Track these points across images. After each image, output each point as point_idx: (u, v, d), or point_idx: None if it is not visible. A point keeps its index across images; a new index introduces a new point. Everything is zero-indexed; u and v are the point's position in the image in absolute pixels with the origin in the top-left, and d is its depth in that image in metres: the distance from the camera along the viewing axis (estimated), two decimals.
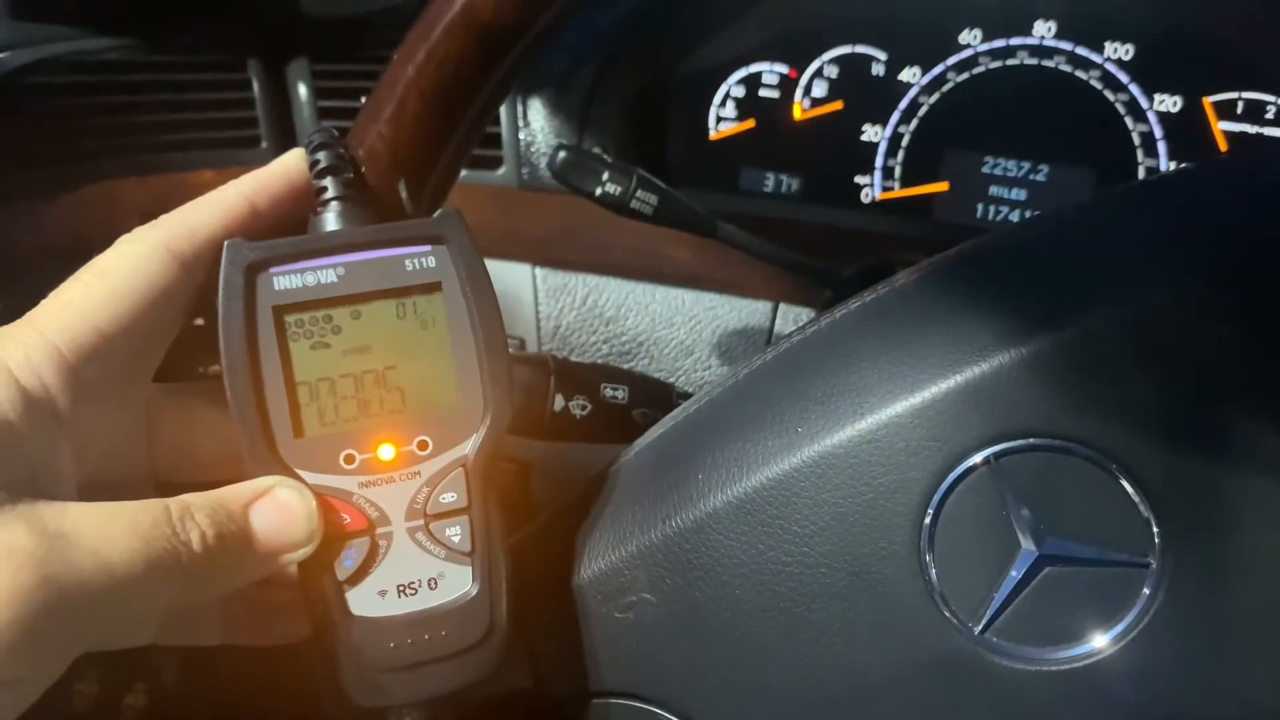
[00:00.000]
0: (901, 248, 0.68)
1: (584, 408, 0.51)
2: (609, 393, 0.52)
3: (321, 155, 0.35)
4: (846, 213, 0.72)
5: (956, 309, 0.34)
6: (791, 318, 0.66)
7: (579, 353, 0.70)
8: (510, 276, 0.70)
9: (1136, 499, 0.31)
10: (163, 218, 0.33)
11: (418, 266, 0.34)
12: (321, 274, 0.33)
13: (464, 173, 0.71)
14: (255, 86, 0.72)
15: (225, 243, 0.32)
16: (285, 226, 0.35)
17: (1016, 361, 0.32)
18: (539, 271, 0.70)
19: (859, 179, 0.73)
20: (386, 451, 0.33)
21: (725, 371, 0.66)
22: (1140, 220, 0.34)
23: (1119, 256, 0.33)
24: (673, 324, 0.68)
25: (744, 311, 0.67)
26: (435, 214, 0.34)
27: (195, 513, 0.30)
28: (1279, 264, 0.31)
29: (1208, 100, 0.66)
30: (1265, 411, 0.31)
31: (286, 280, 0.33)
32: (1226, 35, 0.65)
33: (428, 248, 0.34)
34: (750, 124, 0.75)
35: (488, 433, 0.34)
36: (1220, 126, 0.66)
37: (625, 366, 0.69)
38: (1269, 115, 0.65)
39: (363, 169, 0.36)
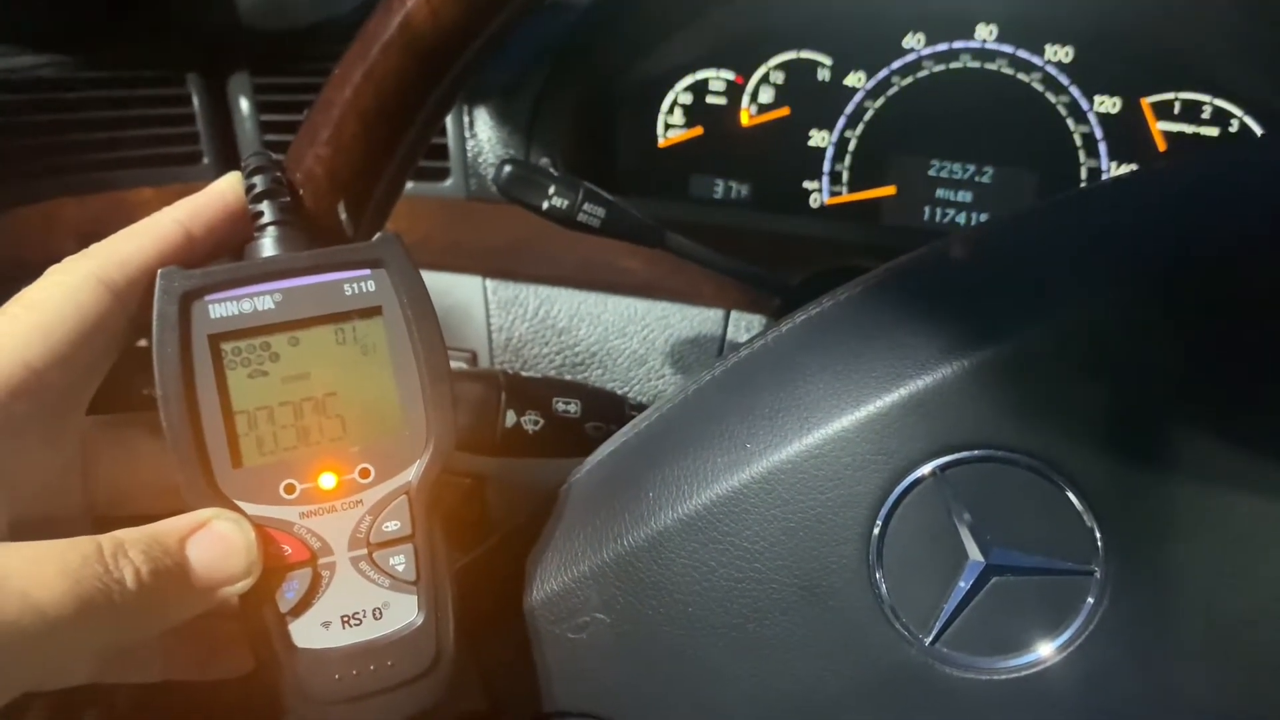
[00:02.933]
0: (851, 252, 0.69)
1: (536, 423, 0.50)
2: (561, 407, 0.51)
3: (258, 179, 0.34)
4: (796, 218, 0.73)
5: (899, 322, 0.34)
6: (744, 325, 0.66)
7: (532, 365, 0.70)
8: (461, 289, 0.70)
9: (1080, 508, 0.31)
10: (94, 247, 0.33)
11: (357, 291, 0.33)
12: (258, 300, 0.33)
13: (412, 185, 0.70)
14: (195, 101, 0.70)
15: (159, 271, 0.32)
16: (224, 252, 0.34)
17: (959, 374, 0.32)
18: (490, 283, 0.69)
19: (807, 184, 0.73)
20: (328, 480, 0.33)
21: (678, 381, 0.66)
22: (1077, 230, 0.35)
23: (1057, 266, 0.34)
24: (625, 334, 0.67)
25: (696, 320, 0.67)
26: (374, 237, 0.34)
27: (129, 549, 0.29)
28: (1215, 271, 0.32)
29: (1146, 101, 0.67)
30: (1204, 419, 0.31)
31: (222, 308, 0.32)
32: (1163, 38, 0.66)
33: (367, 271, 0.34)
34: (698, 131, 0.75)
35: (431, 459, 0.33)
36: (1159, 127, 0.67)
37: (579, 378, 0.69)
38: (1205, 115, 0.66)
39: (300, 192, 0.36)
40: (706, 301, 0.67)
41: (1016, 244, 0.36)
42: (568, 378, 0.69)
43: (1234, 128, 0.66)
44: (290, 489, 0.33)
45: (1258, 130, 0.66)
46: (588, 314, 0.68)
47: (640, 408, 0.53)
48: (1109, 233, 0.34)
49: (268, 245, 0.34)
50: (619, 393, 0.67)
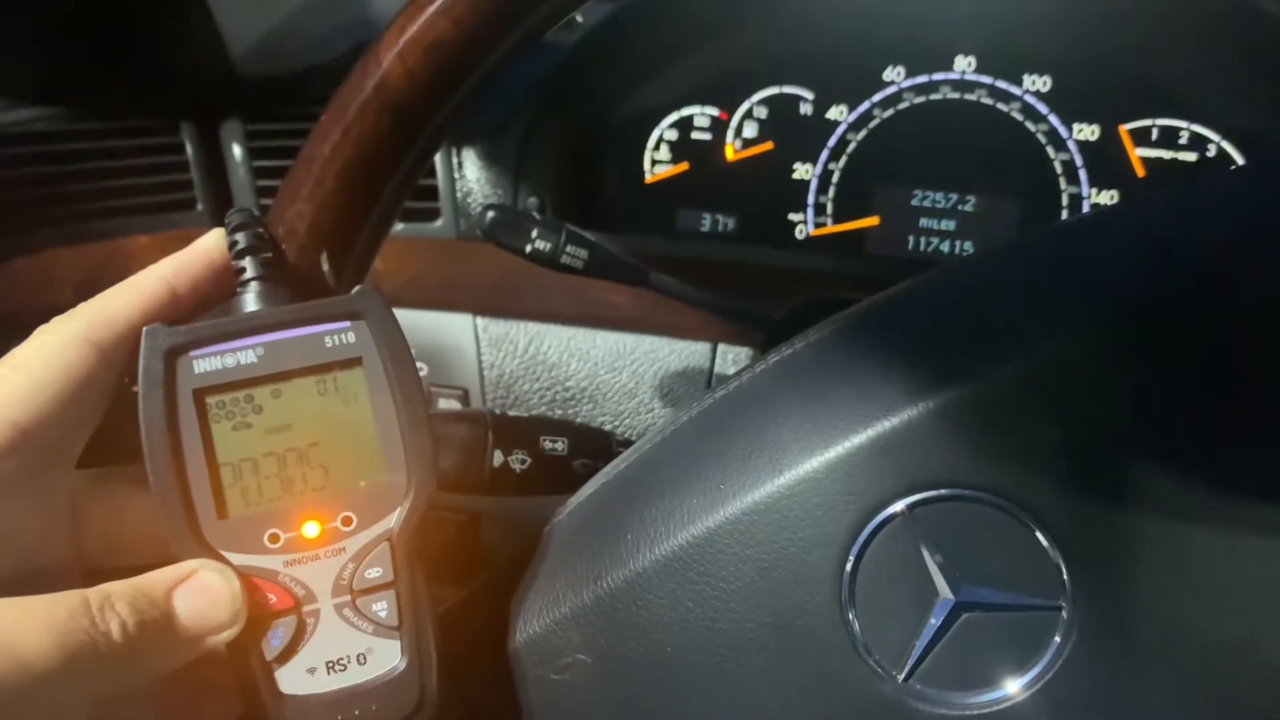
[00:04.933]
0: (836, 283, 0.70)
1: (523, 462, 0.51)
2: (548, 445, 0.52)
3: (240, 236, 0.35)
4: (781, 250, 0.74)
5: (866, 364, 0.35)
6: (730, 357, 0.67)
7: (523, 401, 0.70)
8: (452, 327, 0.71)
9: (1046, 545, 0.32)
10: (80, 306, 0.33)
11: (337, 343, 0.34)
12: (241, 355, 0.33)
13: (403, 226, 0.72)
14: (189, 149, 0.72)
15: (144, 329, 0.33)
16: (210, 307, 0.35)
17: (924, 415, 0.33)
18: (480, 321, 0.70)
19: (792, 216, 0.74)
20: (311, 529, 0.34)
21: (667, 414, 0.67)
22: (1038, 271, 0.36)
23: (1018, 308, 0.34)
24: (615, 368, 0.68)
25: (684, 353, 0.67)
26: (353, 290, 0.35)
27: (115, 601, 0.30)
28: (1174, 311, 0.33)
29: (1124, 128, 0.68)
30: (1165, 456, 0.32)
31: (207, 363, 0.33)
32: (1139, 66, 0.67)
33: (347, 324, 0.34)
34: (684, 166, 0.76)
35: (412, 506, 0.34)
36: (1137, 153, 0.68)
37: (570, 413, 0.70)
38: (1182, 140, 0.67)
39: (283, 247, 0.37)
40: (693, 335, 0.68)
41: (980, 285, 0.36)
42: (557, 414, 0.70)
43: (1211, 152, 0.67)
44: (275, 538, 0.33)
45: (1235, 154, 0.67)
46: (577, 349, 0.69)
47: (627, 443, 0.54)
48: (1069, 274, 0.35)
49: (250, 300, 0.35)
50: (608, 428, 0.68)
